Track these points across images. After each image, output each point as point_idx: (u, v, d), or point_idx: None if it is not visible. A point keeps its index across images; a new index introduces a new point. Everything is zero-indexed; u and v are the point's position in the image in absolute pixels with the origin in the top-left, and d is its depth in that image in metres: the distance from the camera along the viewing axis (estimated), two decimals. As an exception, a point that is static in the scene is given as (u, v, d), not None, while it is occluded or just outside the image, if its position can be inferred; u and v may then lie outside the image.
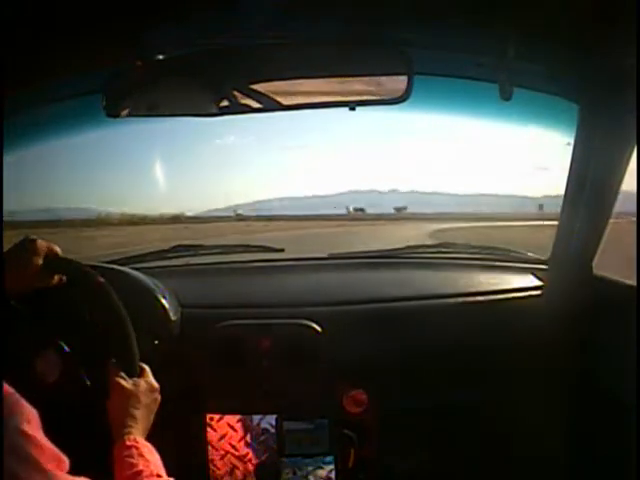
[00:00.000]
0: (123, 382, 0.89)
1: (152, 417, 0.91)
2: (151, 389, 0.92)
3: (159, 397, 0.93)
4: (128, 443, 0.82)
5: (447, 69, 1.15)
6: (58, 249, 0.94)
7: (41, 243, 0.91)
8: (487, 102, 1.15)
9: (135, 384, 0.90)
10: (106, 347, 0.94)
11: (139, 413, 0.88)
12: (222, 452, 1.21)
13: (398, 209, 4.58)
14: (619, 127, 1.10)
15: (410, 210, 4.60)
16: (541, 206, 4.26)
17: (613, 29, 0.88)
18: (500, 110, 1.23)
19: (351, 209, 3.82)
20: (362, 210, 3.73)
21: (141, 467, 0.78)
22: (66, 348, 0.94)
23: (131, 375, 0.92)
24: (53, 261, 0.93)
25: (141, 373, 0.93)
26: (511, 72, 0.96)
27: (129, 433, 0.84)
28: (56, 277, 0.95)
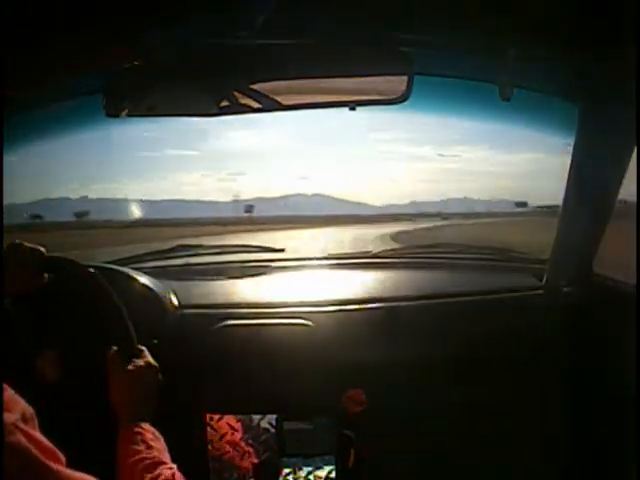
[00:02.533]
0: (123, 365, 0.90)
1: (155, 399, 0.91)
2: (151, 368, 0.93)
3: (160, 377, 0.94)
4: (132, 430, 0.82)
5: (447, 69, 1.15)
6: (43, 249, 0.94)
7: (26, 246, 0.92)
8: (487, 102, 1.15)
9: (135, 365, 0.91)
10: (105, 335, 0.95)
11: (142, 394, 0.89)
12: (222, 452, 1.21)
13: (79, 214, 4.73)
14: (619, 127, 1.10)
15: (93, 217, 4.72)
16: (250, 207, 4.57)
17: (613, 29, 0.88)
18: (500, 110, 1.23)
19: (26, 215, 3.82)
20: (39, 217, 3.72)
21: (144, 454, 0.78)
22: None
23: (130, 357, 0.92)
24: (41, 260, 0.94)
25: (140, 354, 0.94)
26: (511, 72, 0.97)
27: (133, 419, 0.84)
28: (46, 276, 0.95)
